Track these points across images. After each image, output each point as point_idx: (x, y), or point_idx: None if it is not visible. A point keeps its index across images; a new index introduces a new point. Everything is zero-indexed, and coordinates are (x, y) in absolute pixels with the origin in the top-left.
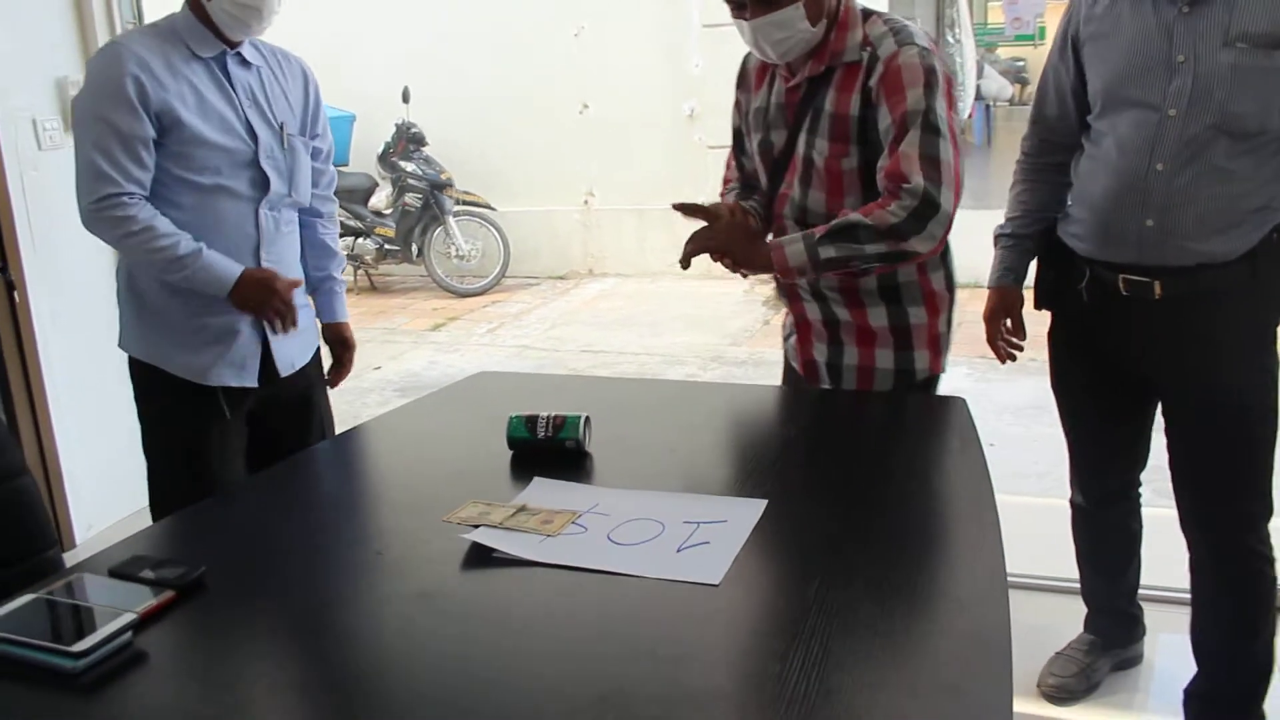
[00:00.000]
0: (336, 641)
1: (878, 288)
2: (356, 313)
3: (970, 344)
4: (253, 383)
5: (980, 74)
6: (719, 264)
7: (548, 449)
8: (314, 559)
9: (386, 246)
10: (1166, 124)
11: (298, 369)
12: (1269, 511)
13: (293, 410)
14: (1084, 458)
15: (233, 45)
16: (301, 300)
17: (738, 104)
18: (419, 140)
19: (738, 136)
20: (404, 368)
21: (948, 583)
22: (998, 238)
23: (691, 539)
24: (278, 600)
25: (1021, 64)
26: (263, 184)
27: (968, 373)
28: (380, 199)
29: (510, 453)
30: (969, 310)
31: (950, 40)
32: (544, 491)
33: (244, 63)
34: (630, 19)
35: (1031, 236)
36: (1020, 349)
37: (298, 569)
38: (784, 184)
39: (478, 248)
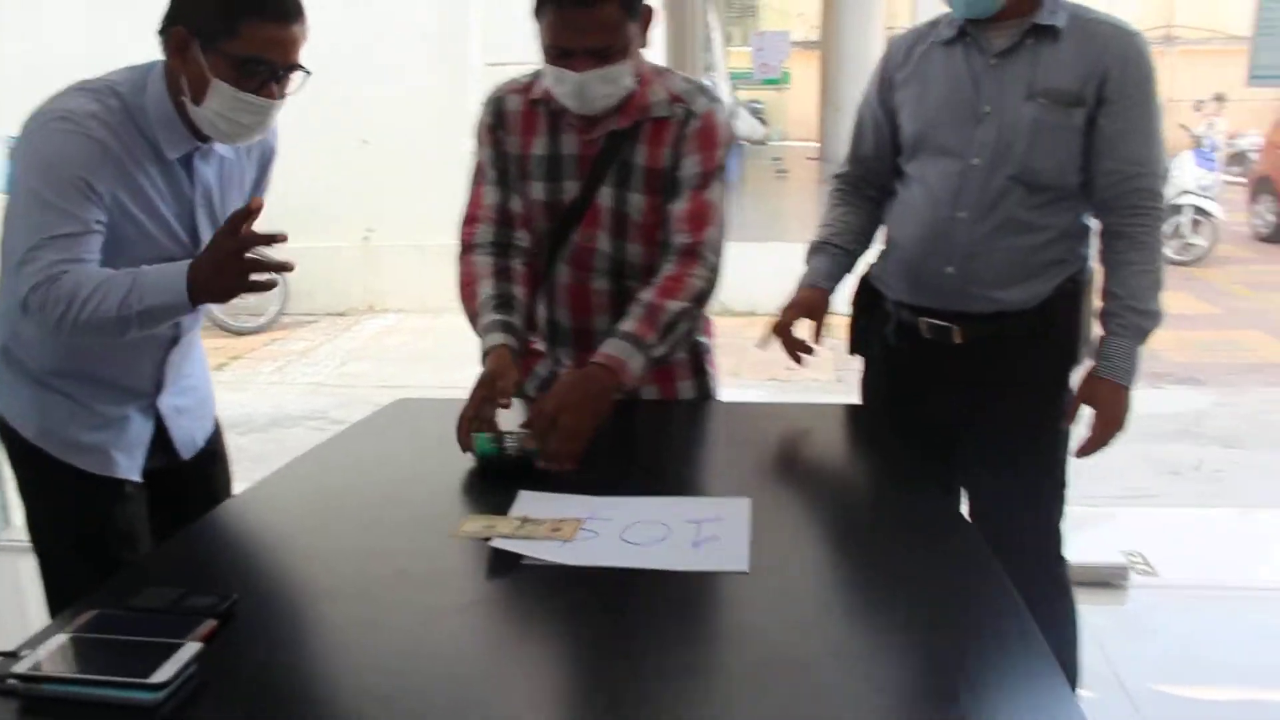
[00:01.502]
0: (393, 657)
1: None
2: None
3: (761, 367)
4: (136, 475)
5: (734, 115)
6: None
7: (515, 464)
8: (336, 582)
9: None
10: (970, 173)
11: (200, 448)
12: (1057, 551)
13: (204, 482)
14: None
15: (205, 139)
16: (196, 371)
17: (496, 143)
18: None
19: (499, 174)
20: None
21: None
22: (815, 247)
23: (701, 535)
24: (314, 621)
25: (760, 106)
26: None
27: (760, 395)
28: None
29: (477, 472)
30: (749, 336)
31: (707, 83)
32: (536, 504)
33: (208, 156)
34: (411, 55)
35: (849, 252)
36: (809, 350)
37: (322, 592)
38: (580, 236)
39: None
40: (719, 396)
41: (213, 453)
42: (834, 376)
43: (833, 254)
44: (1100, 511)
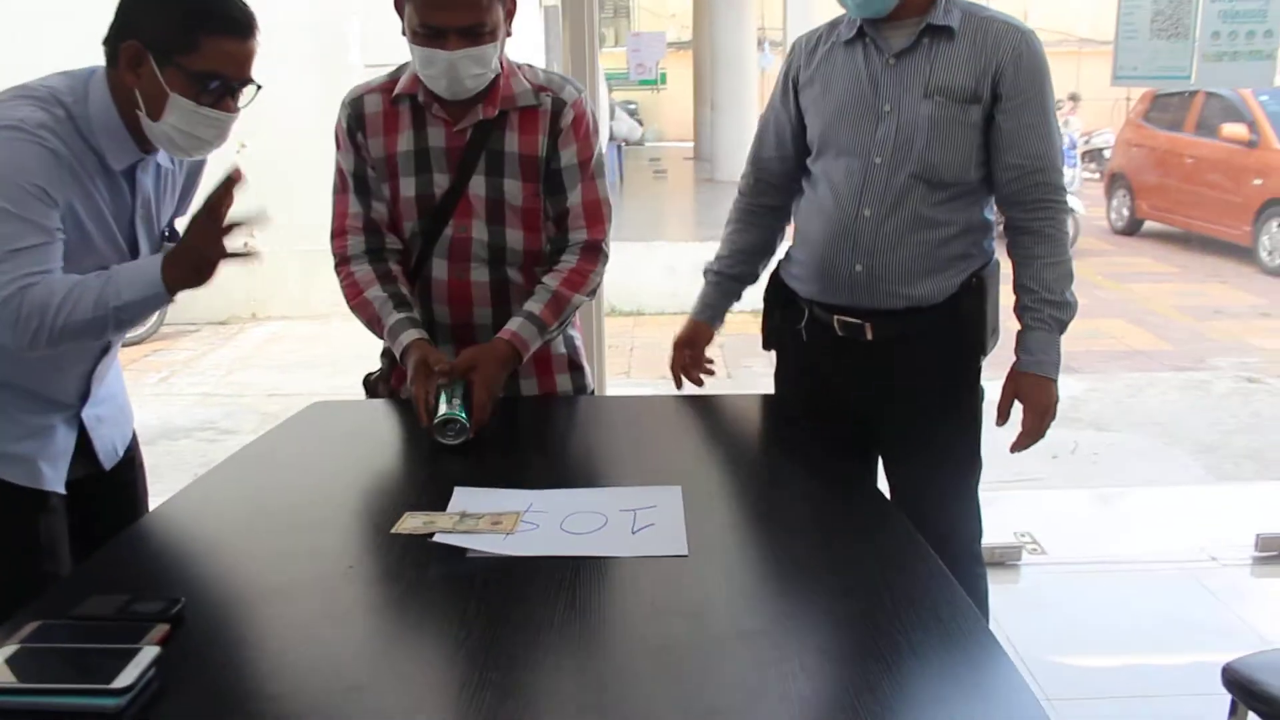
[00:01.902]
0: (353, 650)
1: None
2: None
3: (650, 366)
4: (60, 487)
5: (612, 115)
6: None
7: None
8: (283, 581)
9: None
10: (873, 171)
11: (121, 456)
12: (978, 534)
13: (120, 491)
14: None
15: (148, 149)
16: (115, 377)
17: (356, 148)
18: None
19: (359, 182)
20: None
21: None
22: (705, 273)
23: (638, 523)
24: (265, 621)
25: (634, 106)
26: None
27: (654, 392)
28: None
29: (413, 470)
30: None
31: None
32: (473, 498)
33: (150, 167)
34: (287, 57)
35: (738, 277)
36: (699, 382)
37: (271, 591)
38: (455, 228)
39: None
40: (593, 387)
41: (131, 460)
42: (724, 373)
43: (719, 284)
44: (990, 495)
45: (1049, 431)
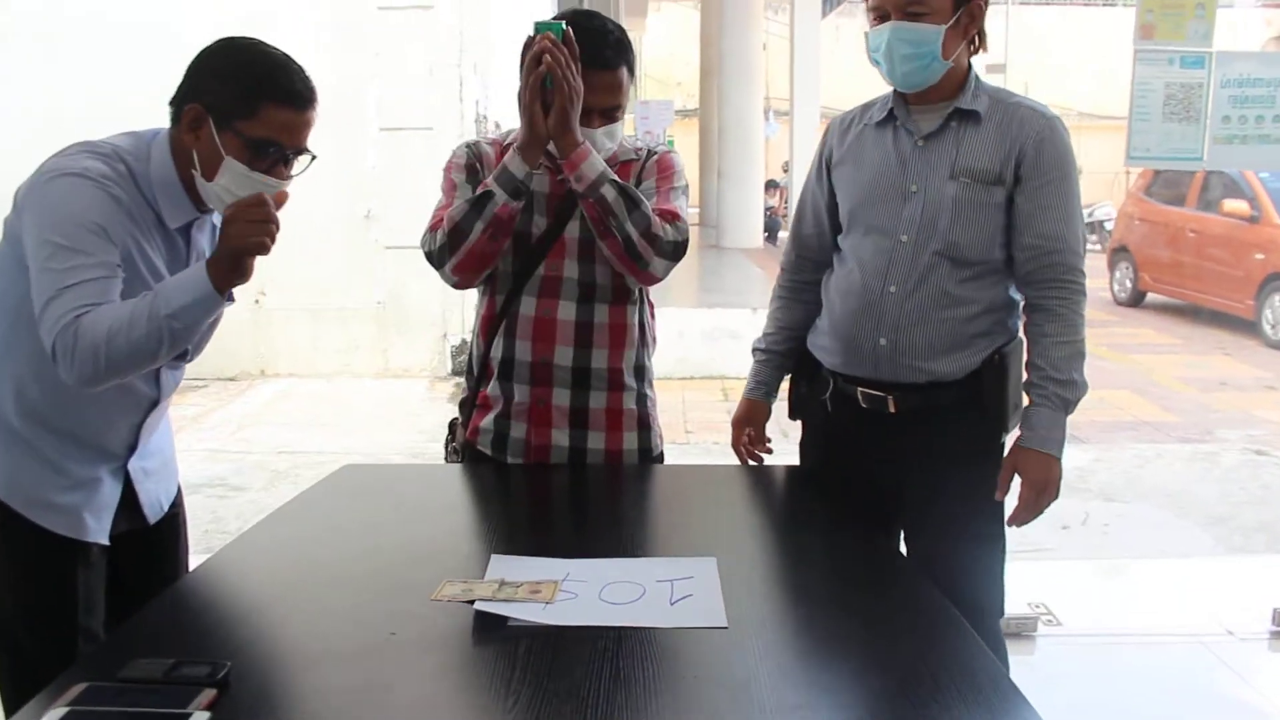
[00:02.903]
0: None
1: (634, 366)
2: None
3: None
4: (103, 539)
5: None
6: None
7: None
8: (325, 647)
9: None
10: (899, 249)
11: (166, 510)
12: (998, 610)
13: (159, 547)
14: None
15: (206, 211)
16: (165, 441)
17: (473, 173)
18: None
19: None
20: None
21: (891, 593)
22: (754, 351)
23: (675, 593)
24: (309, 689)
25: None
26: None
27: (696, 456)
28: None
29: (448, 536)
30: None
31: None
32: (510, 567)
33: (205, 225)
34: None
35: (785, 353)
36: (759, 459)
37: (314, 657)
38: (547, 267)
39: None
40: (661, 448)
41: (174, 516)
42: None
43: (768, 360)
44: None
45: (1059, 503)
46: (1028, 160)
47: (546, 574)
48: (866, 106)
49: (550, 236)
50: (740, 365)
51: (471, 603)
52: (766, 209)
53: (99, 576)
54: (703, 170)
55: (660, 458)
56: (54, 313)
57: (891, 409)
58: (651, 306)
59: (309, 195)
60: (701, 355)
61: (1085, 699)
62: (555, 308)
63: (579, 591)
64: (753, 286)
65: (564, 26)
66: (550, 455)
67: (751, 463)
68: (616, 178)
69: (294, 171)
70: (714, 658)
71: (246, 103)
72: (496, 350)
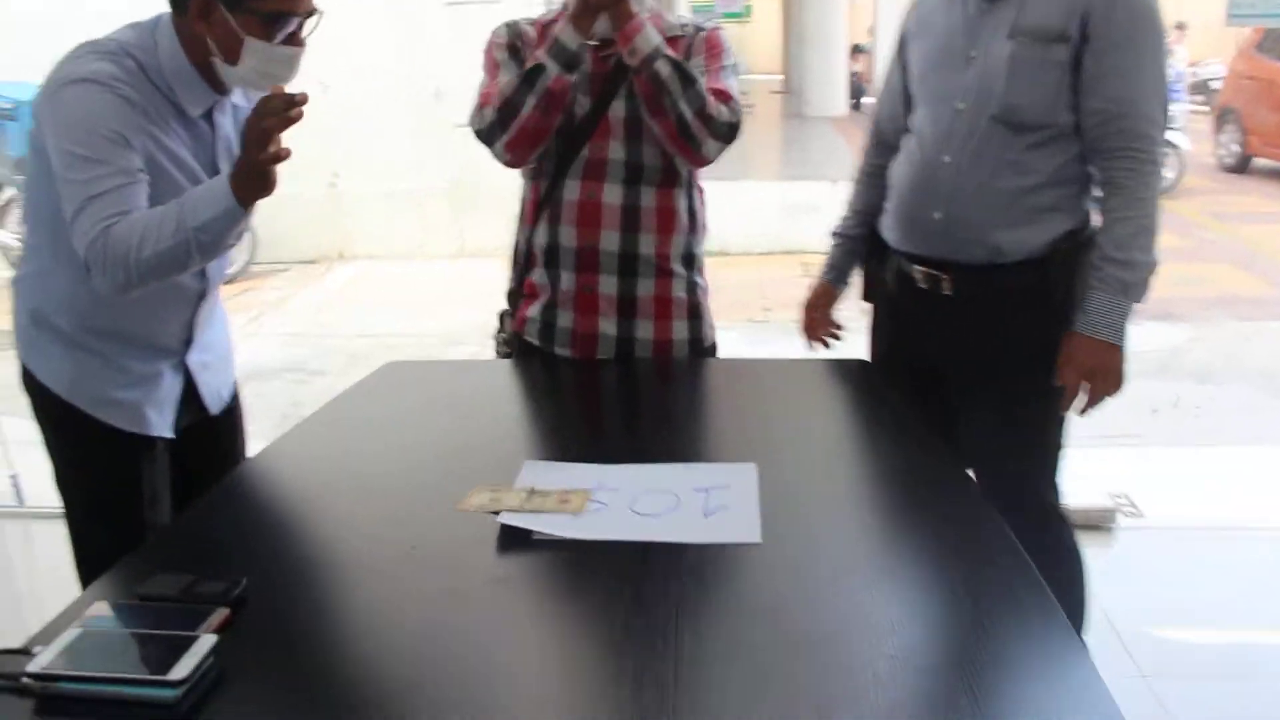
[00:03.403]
0: (411, 642)
1: (684, 254)
2: None
3: (737, 308)
4: (169, 432)
5: None
6: None
7: None
8: (345, 561)
9: None
10: (956, 117)
11: (228, 400)
12: (1050, 491)
13: (219, 440)
14: None
15: (223, 91)
16: (217, 323)
17: (514, 51)
18: None
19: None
20: None
21: (956, 520)
22: (831, 234)
23: (710, 504)
24: (327, 607)
25: None
26: None
27: (739, 336)
28: None
29: (483, 438)
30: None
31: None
32: (542, 473)
33: (227, 108)
34: None
35: (858, 237)
36: (835, 338)
37: (333, 573)
38: (591, 149)
39: None
40: (713, 339)
41: (232, 408)
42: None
43: (842, 244)
44: (1083, 453)
45: (1147, 385)
46: (1096, 15)
47: (578, 481)
48: None
49: (594, 117)
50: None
51: (497, 513)
52: (852, 74)
53: (163, 471)
54: (786, 35)
55: (713, 349)
56: (83, 225)
57: (947, 289)
58: (701, 191)
59: (377, 76)
60: (780, 229)
61: (1166, 596)
62: (600, 190)
63: (609, 501)
64: (835, 157)
65: None
66: (598, 345)
67: (819, 346)
68: (671, 53)
69: (305, 34)
70: (744, 578)
71: None
72: (541, 237)
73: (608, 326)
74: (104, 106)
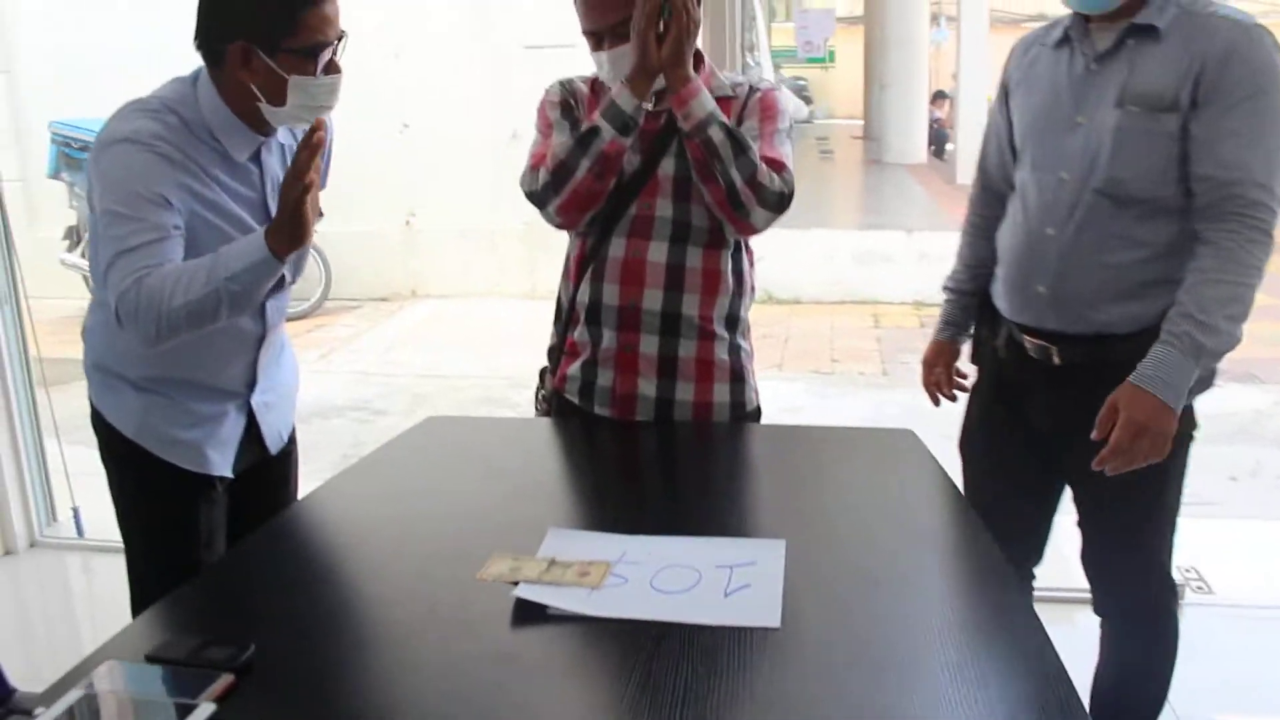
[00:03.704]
0: (416, 715)
1: (727, 316)
2: None
3: (804, 358)
4: (228, 471)
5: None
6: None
7: None
8: (359, 625)
9: None
10: (1060, 187)
11: (286, 441)
12: (1161, 581)
13: (274, 481)
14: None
15: (267, 132)
16: (280, 364)
17: (568, 110)
18: None
19: (573, 126)
20: None
21: (983, 605)
22: (943, 289)
23: (732, 582)
24: (333, 674)
25: (803, 83)
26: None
27: (805, 388)
28: None
29: (512, 501)
30: (794, 326)
31: (750, 63)
32: (565, 542)
33: (273, 148)
34: (451, 40)
35: (972, 291)
36: (952, 398)
37: (344, 637)
38: (639, 206)
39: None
40: (757, 403)
41: (288, 451)
42: (880, 369)
43: (955, 300)
44: None
45: (1228, 450)
46: (1208, 78)
47: (601, 552)
48: (1050, 26)
49: (644, 174)
50: (893, 289)
51: (516, 584)
52: (933, 120)
53: (220, 511)
54: (867, 81)
55: (756, 413)
56: (114, 277)
57: (1056, 360)
58: (750, 254)
59: (456, 116)
60: (853, 279)
61: (1235, 681)
62: (646, 249)
63: (630, 576)
64: (912, 207)
65: None
66: (637, 405)
67: (946, 400)
68: (725, 119)
69: (339, 58)
70: (759, 664)
71: (287, 20)
72: (584, 294)
73: (647, 387)
74: (143, 165)
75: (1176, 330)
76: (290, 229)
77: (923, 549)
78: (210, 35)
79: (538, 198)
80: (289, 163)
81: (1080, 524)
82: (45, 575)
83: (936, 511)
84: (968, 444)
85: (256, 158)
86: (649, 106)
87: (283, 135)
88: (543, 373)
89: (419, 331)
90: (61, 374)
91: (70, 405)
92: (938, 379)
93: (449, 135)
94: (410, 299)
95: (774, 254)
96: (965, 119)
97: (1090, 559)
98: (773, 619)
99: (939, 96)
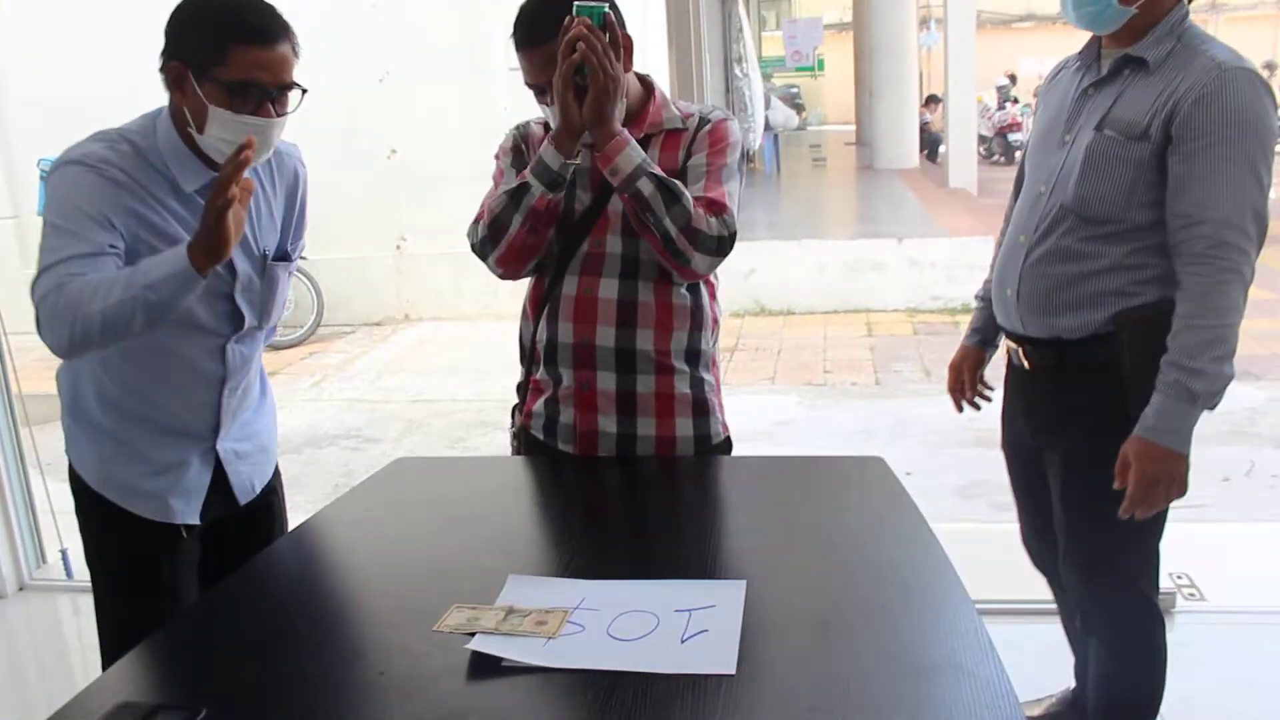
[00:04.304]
0: None
1: (686, 350)
2: None
3: (797, 370)
4: (195, 519)
5: (768, 105)
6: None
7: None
8: (314, 685)
9: None
10: (1038, 200)
11: (258, 493)
12: (1138, 580)
13: (257, 527)
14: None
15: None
16: (257, 413)
17: (519, 157)
18: None
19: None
20: None
21: (941, 645)
22: (975, 297)
23: (689, 628)
24: None
25: (795, 90)
26: (235, 318)
27: (798, 400)
28: None
29: (475, 546)
30: (787, 337)
31: (739, 74)
32: (524, 589)
33: None
34: (435, 64)
35: None
36: (976, 406)
37: (301, 698)
38: (591, 244)
39: (290, 298)
40: (724, 434)
41: (270, 500)
42: (873, 379)
43: (984, 309)
44: None
45: (1221, 451)
46: (1181, 116)
47: (559, 599)
48: (1084, 49)
49: (594, 212)
50: (885, 298)
51: (473, 634)
52: (925, 124)
53: (189, 560)
54: (857, 88)
55: (726, 444)
56: (43, 282)
57: (1026, 364)
58: (711, 286)
59: (444, 141)
60: (845, 288)
61: (1228, 689)
62: (597, 285)
63: (587, 623)
64: (903, 213)
65: (604, 10)
66: (599, 442)
67: (969, 408)
68: (655, 170)
69: (287, 109)
70: (711, 713)
71: (216, 49)
72: (542, 333)
73: (607, 424)
74: (89, 186)
75: (1168, 380)
76: (210, 241)
77: (886, 586)
78: (162, 53)
79: (478, 250)
80: (255, 209)
81: (1059, 528)
82: (35, 618)
83: (901, 545)
84: (1004, 447)
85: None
86: (577, 162)
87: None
88: (514, 410)
89: (411, 356)
90: (50, 412)
91: (60, 444)
92: (961, 384)
93: (437, 159)
94: (403, 323)
95: (766, 266)
96: (955, 121)
97: (1071, 563)
98: (728, 665)
99: (931, 100)
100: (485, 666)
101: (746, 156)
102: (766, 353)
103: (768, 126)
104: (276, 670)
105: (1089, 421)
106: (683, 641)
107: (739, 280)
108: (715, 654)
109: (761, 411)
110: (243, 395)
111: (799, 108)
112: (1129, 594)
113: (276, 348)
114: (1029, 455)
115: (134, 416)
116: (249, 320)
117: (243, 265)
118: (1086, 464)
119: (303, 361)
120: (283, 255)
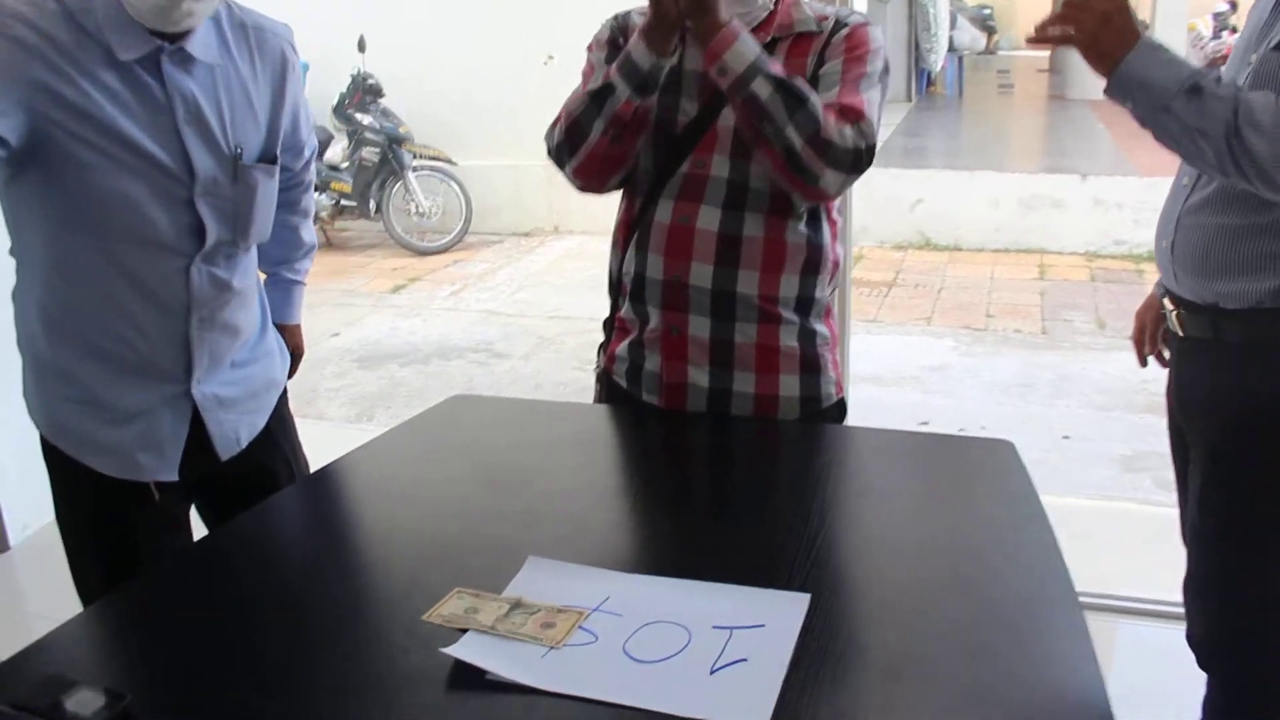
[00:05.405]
0: None
1: (797, 297)
2: (312, 271)
3: (957, 312)
4: (171, 475)
5: (954, 25)
6: None
7: None
8: (269, 671)
9: (343, 202)
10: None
11: (245, 445)
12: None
13: (246, 478)
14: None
15: (173, 39)
16: (251, 353)
17: (614, 51)
18: (376, 92)
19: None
20: (363, 335)
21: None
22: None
23: (725, 653)
24: None
25: (988, 12)
26: (197, 232)
27: (953, 345)
28: (336, 153)
29: (505, 508)
30: (950, 275)
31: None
32: (542, 576)
33: (185, 61)
34: None
35: None
36: (1162, 361)
37: (250, 686)
38: (693, 163)
39: (438, 204)
40: (837, 397)
41: (259, 464)
42: (1039, 327)
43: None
44: None
45: None
46: None
47: (579, 595)
48: None
49: (699, 126)
50: (1062, 239)
51: (464, 631)
52: None
53: (170, 518)
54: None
55: (838, 408)
56: None
57: (1178, 329)
58: (834, 224)
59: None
60: (1020, 226)
61: None
62: (695, 214)
63: (602, 632)
64: (1093, 148)
65: None
66: (688, 395)
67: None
68: (774, 69)
69: None
70: None
71: None
72: (630, 265)
73: (698, 376)
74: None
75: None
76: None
77: (981, 621)
78: None
79: (555, 157)
80: (229, 92)
81: (1190, 535)
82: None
83: (1014, 562)
84: (1169, 423)
85: (156, 68)
86: (672, 61)
87: (208, 55)
88: (600, 349)
89: (555, 270)
90: None
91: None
92: (1145, 334)
93: None
94: (552, 235)
95: (935, 197)
96: None
97: (1193, 585)
98: (762, 713)
99: None
100: (467, 676)
101: (928, 79)
102: (926, 290)
103: (952, 48)
104: (224, 652)
105: (1242, 413)
106: (712, 672)
107: (904, 210)
108: (747, 697)
109: (912, 354)
110: (223, 329)
111: (990, 30)
112: (1260, 632)
113: (422, 253)
114: (1182, 440)
115: (83, 347)
116: (214, 233)
117: (205, 164)
118: (1228, 466)
119: (446, 269)
120: (268, 158)
